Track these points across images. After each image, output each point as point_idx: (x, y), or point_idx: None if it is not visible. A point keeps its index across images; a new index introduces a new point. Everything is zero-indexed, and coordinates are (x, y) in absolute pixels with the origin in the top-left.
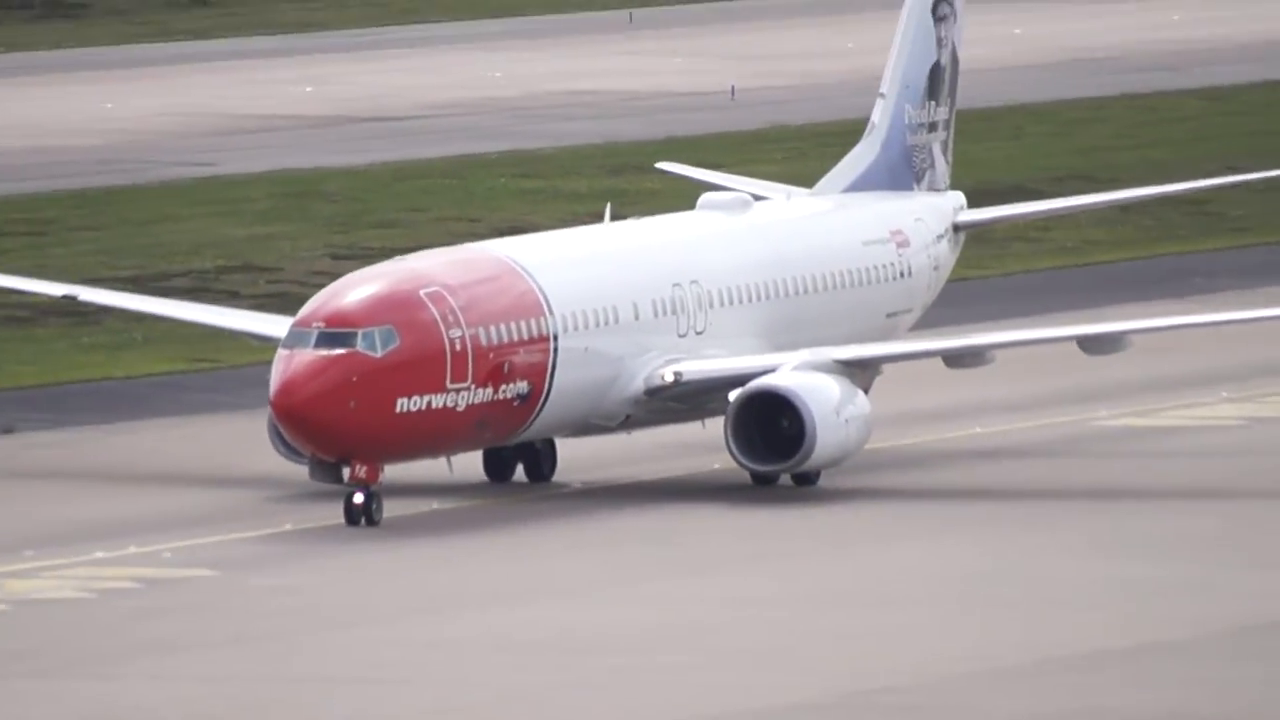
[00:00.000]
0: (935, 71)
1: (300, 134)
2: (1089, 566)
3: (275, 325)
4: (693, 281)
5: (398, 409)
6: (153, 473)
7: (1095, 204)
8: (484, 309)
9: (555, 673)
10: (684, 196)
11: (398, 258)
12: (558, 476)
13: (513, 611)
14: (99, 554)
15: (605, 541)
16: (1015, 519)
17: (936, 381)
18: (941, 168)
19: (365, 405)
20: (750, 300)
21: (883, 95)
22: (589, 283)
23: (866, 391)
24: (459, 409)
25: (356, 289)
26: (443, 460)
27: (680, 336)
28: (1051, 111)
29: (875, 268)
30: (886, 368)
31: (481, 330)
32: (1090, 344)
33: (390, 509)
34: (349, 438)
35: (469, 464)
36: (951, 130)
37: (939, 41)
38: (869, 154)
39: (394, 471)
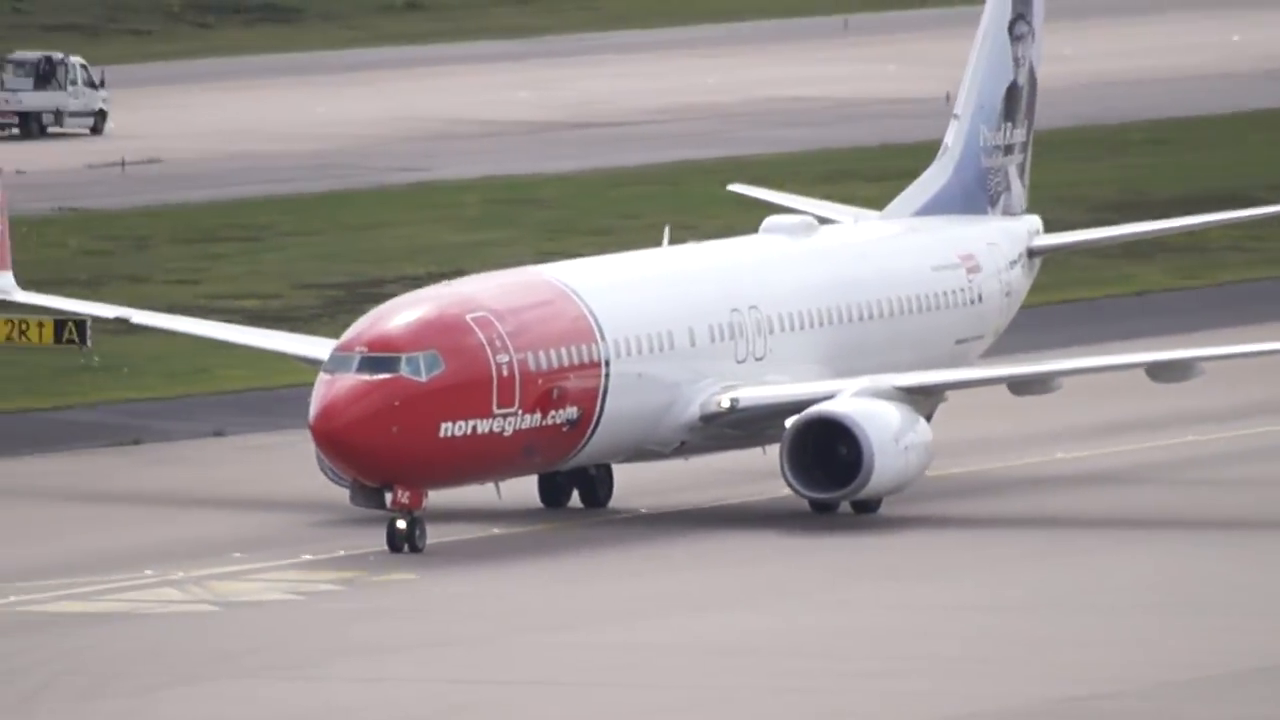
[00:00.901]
0: (1012, 92)
1: (515, 139)
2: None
3: (324, 349)
4: (752, 306)
5: (441, 434)
6: None
7: (1198, 225)
8: (533, 334)
9: (762, 677)
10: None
11: (445, 282)
12: (614, 502)
13: (703, 617)
14: (307, 556)
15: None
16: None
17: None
18: (1018, 191)
19: (408, 430)
20: (812, 326)
21: (957, 116)
22: (643, 307)
23: (929, 419)
24: (505, 434)
25: (402, 313)
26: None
27: (738, 362)
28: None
29: (944, 293)
30: (952, 394)
31: (530, 355)
32: (1159, 371)
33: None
34: (391, 463)
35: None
36: (1029, 152)
37: (1016, 61)
38: (941, 176)
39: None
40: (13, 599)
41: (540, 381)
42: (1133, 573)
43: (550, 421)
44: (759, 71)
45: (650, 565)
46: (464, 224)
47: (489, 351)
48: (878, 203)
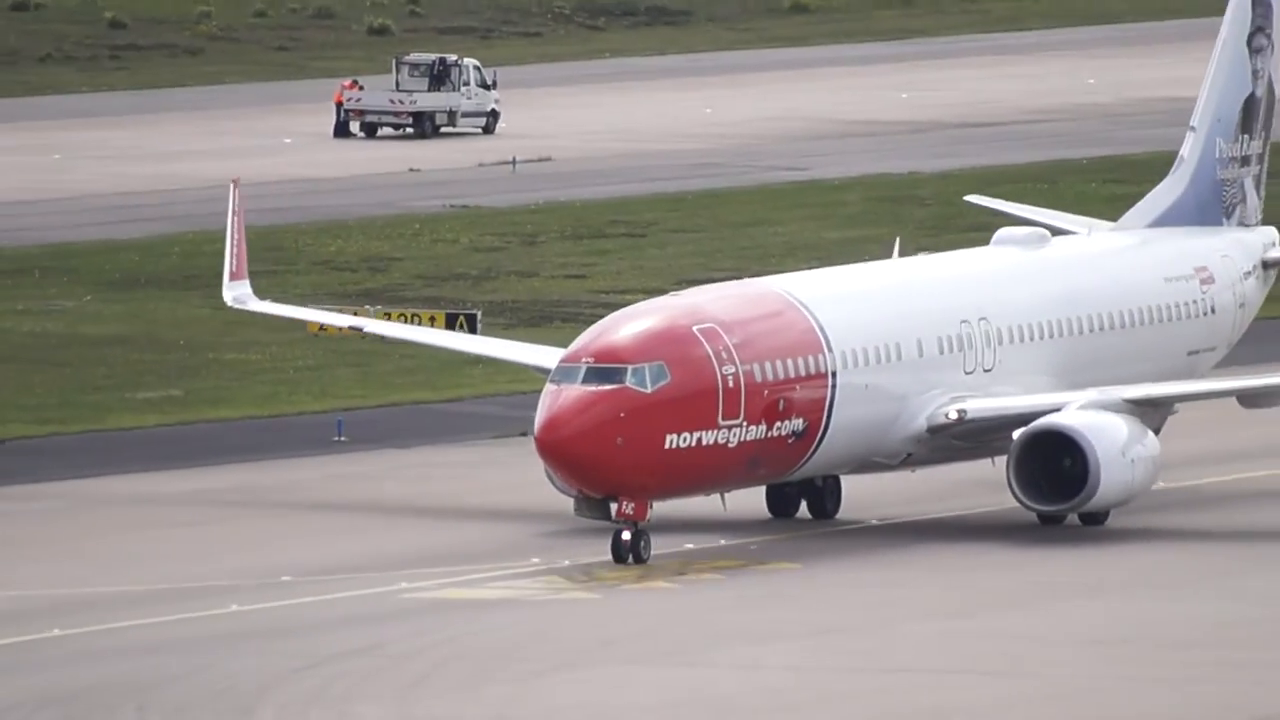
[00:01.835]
0: (1250, 104)
1: (896, 139)
2: None
3: (551, 357)
4: (981, 318)
5: (667, 445)
6: None
7: None
8: (759, 345)
9: (1142, 666)
10: None
11: (673, 293)
12: (841, 513)
13: (1086, 604)
14: (689, 546)
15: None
16: None
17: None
18: (1253, 202)
19: (633, 442)
20: (1043, 338)
21: (1193, 129)
22: (871, 319)
23: (1158, 431)
24: (731, 446)
25: (628, 324)
26: (716, 499)
27: (967, 374)
28: None
29: (1177, 305)
30: (1183, 407)
31: (756, 366)
32: None
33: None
34: (616, 474)
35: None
36: (1265, 164)
37: (1254, 74)
38: (1176, 188)
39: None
40: (402, 585)
41: (766, 393)
42: None
43: (776, 433)
44: (1139, 72)
45: (1013, 558)
46: (843, 221)
47: (715, 363)
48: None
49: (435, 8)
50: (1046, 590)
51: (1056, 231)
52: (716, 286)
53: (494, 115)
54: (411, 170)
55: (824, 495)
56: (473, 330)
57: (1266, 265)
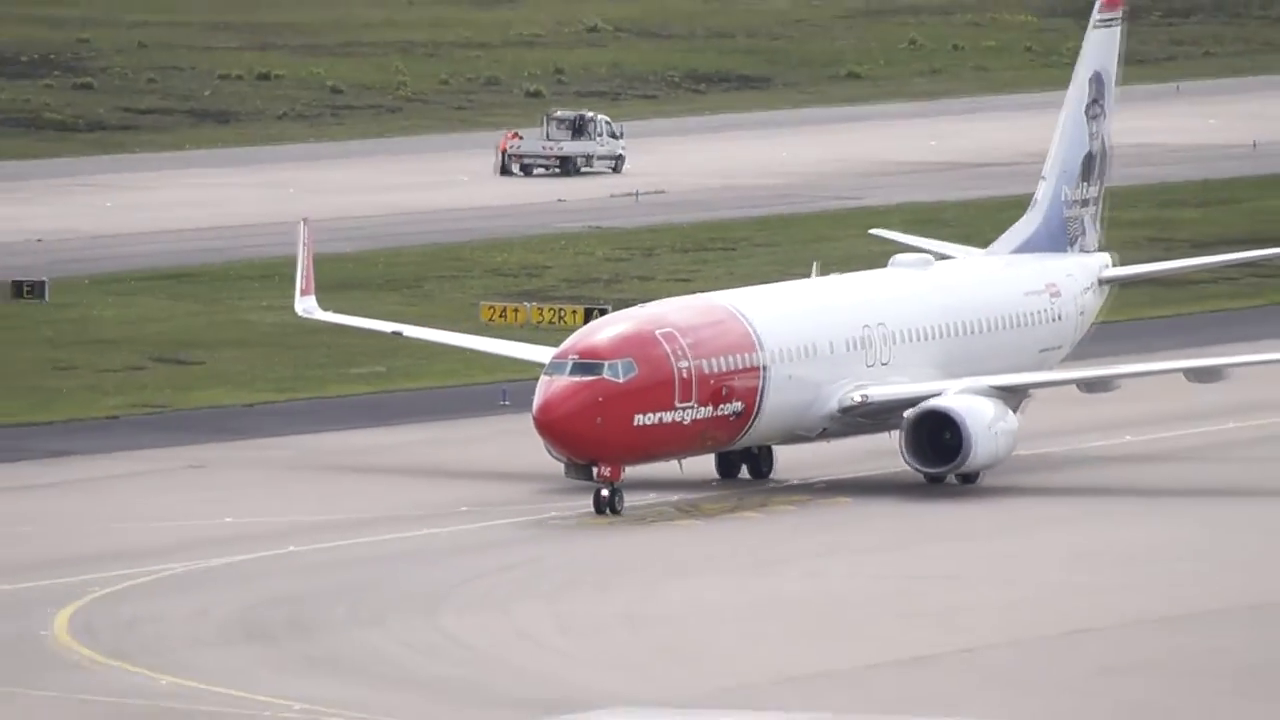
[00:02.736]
0: (1088, 159)
1: (926, 175)
2: None
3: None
4: (880, 324)
5: (635, 423)
6: None
7: (1217, 263)
8: (707, 345)
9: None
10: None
11: (640, 305)
12: (774, 475)
13: (1037, 533)
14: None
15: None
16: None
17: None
18: (1092, 235)
19: (609, 420)
20: (927, 339)
21: (1044, 178)
22: (794, 324)
23: (1017, 411)
24: (685, 423)
25: (606, 329)
26: (674, 464)
27: (869, 367)
28: None
29: (1032, 313)
30: (1036, 392)
31: (704, 362)
32: (1198, 374)
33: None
34: (595, 446)
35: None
36: (1100, 205)
37: (1091, 135)
38: (1032, 223)
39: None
40: (551, 514)
41: (712, 382)
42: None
43: (720, 413)
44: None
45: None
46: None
47: (673, 359)
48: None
49: (576, 76)
50: (1011, 522)
51: (941, 256)
52: (676, 300)
53: (621, 158)
54: (558, 200)
55: (759, 460)
56: None
57: (1102, 282)
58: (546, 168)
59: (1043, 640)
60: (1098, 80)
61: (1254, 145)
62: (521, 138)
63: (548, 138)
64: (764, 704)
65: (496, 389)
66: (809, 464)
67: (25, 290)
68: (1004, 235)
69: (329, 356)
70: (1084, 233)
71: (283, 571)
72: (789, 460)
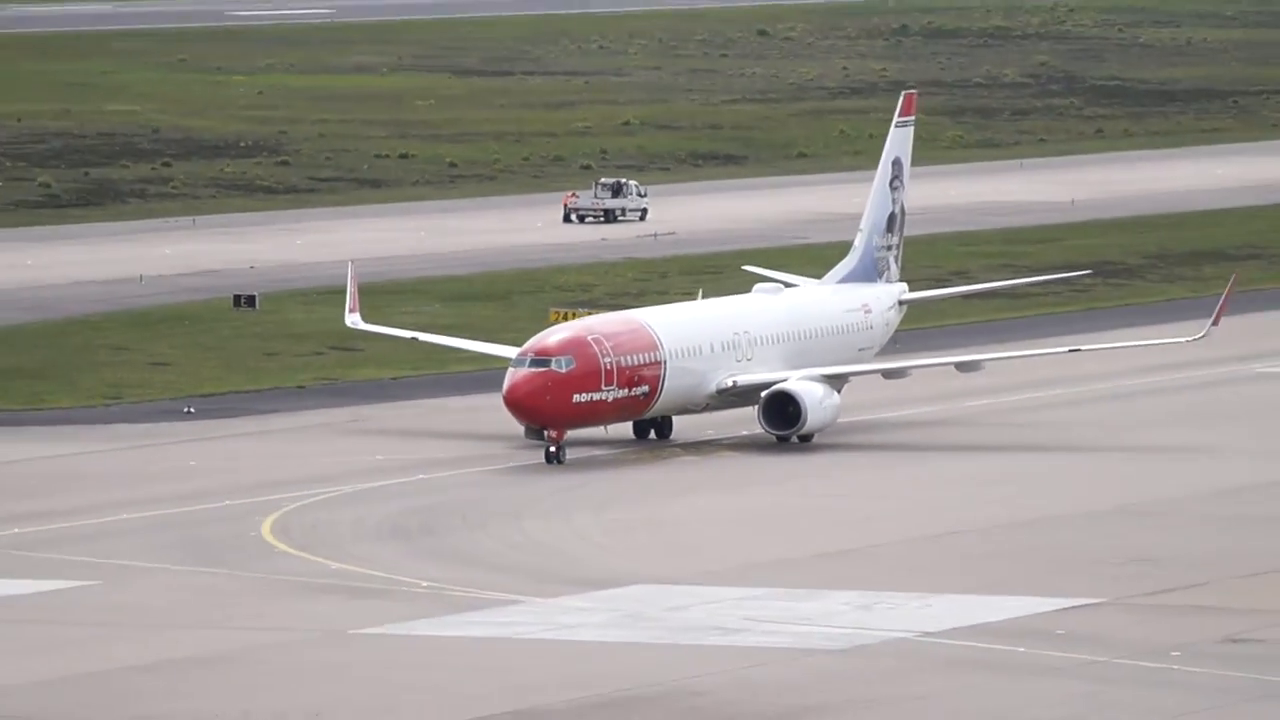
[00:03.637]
0: (891, 218)
1: (847, 223)
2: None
3: (512, 353)
4: (745, 331)
5: (574, 400)
6: None
7: (987, 289)
8: (624, 346)
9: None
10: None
11: (578, 319)
12: (673, 438)
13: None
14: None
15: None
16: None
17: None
18: (894, 270)
19: (555, 399)
20: (777, 342)
21: (861, 230)
22: (685, 331)
23: (839, 391)
24: (609, 400)
25: (553, 335)
26: (600, 429)
27: (737, 362)
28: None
29: (851, 325)
30: (852, 379)
31: (622, 358)
32: (962, 367)
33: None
34: (546, 417)
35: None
36: (899, 249)
37: (894, 200)
38: (852, 261)
39: (582, 435)
40: (595, 454)
41: (627, 372)
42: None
43: (632, 394)
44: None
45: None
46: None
47: (600, 356)
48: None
49: (615, 155)
50: (849, 463)
51: (789, 285)
52: (601, 315)
53: (646, 211)
54: (603, 239)
55: (663, 426)
56: None
57: (901, 303)
58: (595, 218)
59: (926, 538)
60: (898, 163)
61: (1072, 202)
62: (578, 197)
63: (596, 196)
64: (740, 582)
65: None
66: (695, 427)
67: (242, 301)
68: (832, 270)
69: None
70: (889, 268)
71: (415, 492)
72: (684, 426)
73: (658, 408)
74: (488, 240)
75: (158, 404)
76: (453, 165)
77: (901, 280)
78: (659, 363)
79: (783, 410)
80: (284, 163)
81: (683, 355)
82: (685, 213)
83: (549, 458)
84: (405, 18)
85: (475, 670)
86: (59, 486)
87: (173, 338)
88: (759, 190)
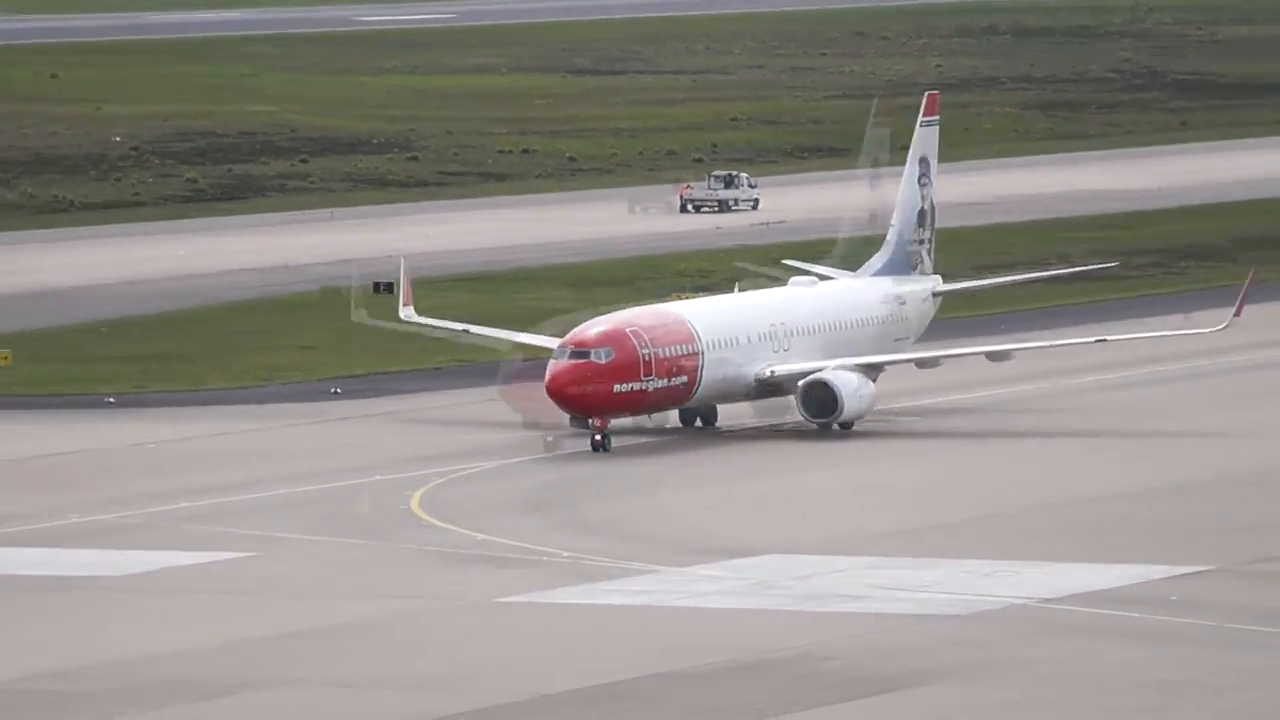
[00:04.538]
0: (921, 213)
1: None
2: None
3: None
4: (782, 322)
5: (615, 391)
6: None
7: (1018, 281)
8: (663, 338)
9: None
10: None
11: (618, 310)
12: (719, 424)
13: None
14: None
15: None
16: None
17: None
18: (927, 263)
19: (597, 389)
20: (813, 333)
21: (893, 225)
22: (723, 322)
23: (875, 380)
24: (649, 391)
25: (593, 327)
26: (643, 418)
27: (774, 352)
28: None
29: (887, 316)
30: (887, 368)
31: (661, 349)
32: (993, 356)
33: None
34: (588, 406)
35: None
36: (932, 243)
37: (923, 197)
38: (886, 255)
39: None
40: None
41: (667, 363)
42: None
43: (673, 384)
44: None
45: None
46: None
47: (639, 348)
48: None
49: (726, 149)
50: (892, 451)
51: (824, 278)
52: (640, 308)
53: (757, 201)
54: (717, 228)
55: (707, 414)
56: None
57: (934, 295)
58: (710, 208)
59: (1042, 508)
60: (924, 161)
61: (1159, 189)
62: (693, 188)
63: (709, 188)
64: (864, 551)
65: None
66: (738, 416)
67: (382, 288)
68: (866, 263)
69: (564, 328)
70: (922, 261)
71: (551, 467)
72: (727, 414)
73: (699, 397)
74: (609, 230)
75: (306, 385)
76: (572, 160)
77: (935, 273)
78: (696, 354)
79: (821, 398)
80: (413, 158)
81: (719, 346)
82: (793, 202)
83: (594, 446)
84: (519, 21)
85: (615, 637)
86: (217, 464)
87: (317, 323)
88: (861, 181)
